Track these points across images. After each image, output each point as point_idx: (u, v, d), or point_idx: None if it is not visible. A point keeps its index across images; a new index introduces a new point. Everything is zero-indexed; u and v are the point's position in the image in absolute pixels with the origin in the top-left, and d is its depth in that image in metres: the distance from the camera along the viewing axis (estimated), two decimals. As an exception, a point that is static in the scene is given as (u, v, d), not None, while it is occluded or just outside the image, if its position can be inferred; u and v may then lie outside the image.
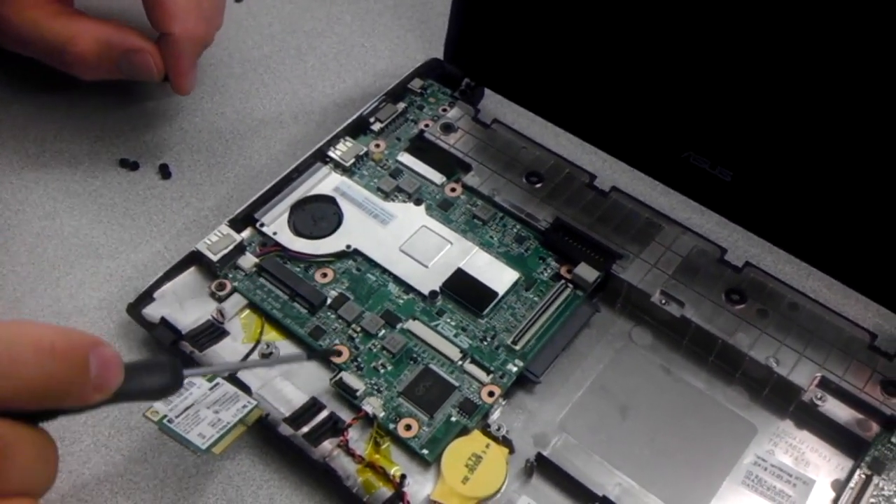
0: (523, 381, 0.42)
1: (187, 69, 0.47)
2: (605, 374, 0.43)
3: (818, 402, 0.40)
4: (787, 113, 0.41)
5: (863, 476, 0.38)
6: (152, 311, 0.42)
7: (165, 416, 0.37)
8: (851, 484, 0.38)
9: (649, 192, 0.49)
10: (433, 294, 0.43)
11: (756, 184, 0.44)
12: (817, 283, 0.46)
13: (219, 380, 0.39)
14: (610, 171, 0.50)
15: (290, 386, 0.41)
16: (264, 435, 0.40)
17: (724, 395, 0.42)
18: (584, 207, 0.46)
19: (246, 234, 0.45)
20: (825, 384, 0.41)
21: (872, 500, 0.38)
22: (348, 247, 0.45)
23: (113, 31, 0.46)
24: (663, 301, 0.43)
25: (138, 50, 0.46)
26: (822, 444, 0.41)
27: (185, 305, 0.43)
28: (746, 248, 0.47)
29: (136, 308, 0.42)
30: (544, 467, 0.39)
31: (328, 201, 0.47)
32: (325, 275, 0.44)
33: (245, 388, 0.40)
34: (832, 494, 0.39)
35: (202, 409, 0.38)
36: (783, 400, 0.41)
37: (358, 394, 0.40)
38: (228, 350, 0.42)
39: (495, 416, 0.40)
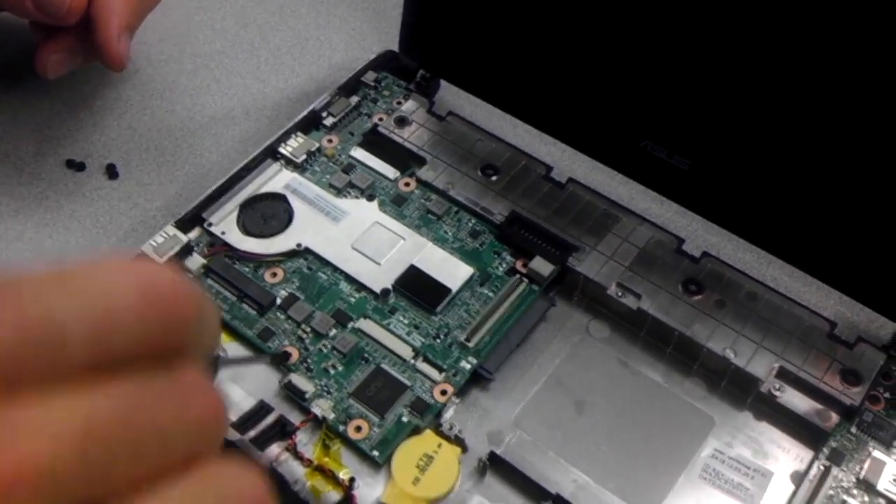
0: (477, 379, 0.41)
1: (118, 31, 0.44)
2: (561, 368, 0.42)
3: (776, 393, 0.40)
4: (745, 100, 0.41)
5: (821, 468, 0.38)
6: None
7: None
8: (810, 476, 0.37)
9: (608, 183, 0.48)
10: (385, 292, 0.42)
11: (714, 172, 0.43)
12: (777, 271, 0.46)
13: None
14: (568, 162, 0.49)
15: (238, 389, 0.40)
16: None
17: (682, 387, 0.41)
18: (540, 200, 0.46)
19: (193, 234, 0.44)
20: (783, 374, 0.40)
21: (831, 491, 0.37)
22: (299, 245, 0.44)
23: None
24: (620, 294, 0.42)
25: None
26: (782, 436, 0.40)
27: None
28: (706, 237, 0.47)
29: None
30: (497, 466, 0.38)
31: (278, 199, 0.46)
32: (274, 274, 0.43)
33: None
34: (791, 487, 0.38)
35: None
36: (741, 391, 0.41)
37: (307, 396, 0.39)
38: (175, 354, 0.41)
39: (448, 414, 0.40)
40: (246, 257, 0.43)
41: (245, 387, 0.40)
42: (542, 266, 0.43)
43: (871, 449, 0.38)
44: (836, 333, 0.41)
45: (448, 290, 0.42)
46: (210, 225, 0.44)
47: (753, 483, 0.38)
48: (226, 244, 0.44)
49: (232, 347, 0.41)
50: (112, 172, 0.48)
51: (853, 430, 0.39)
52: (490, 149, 0.48)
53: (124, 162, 0.49)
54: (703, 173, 0.43)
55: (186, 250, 0.43)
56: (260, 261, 0.43)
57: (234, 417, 0.39)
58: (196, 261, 0.43)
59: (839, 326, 0.41)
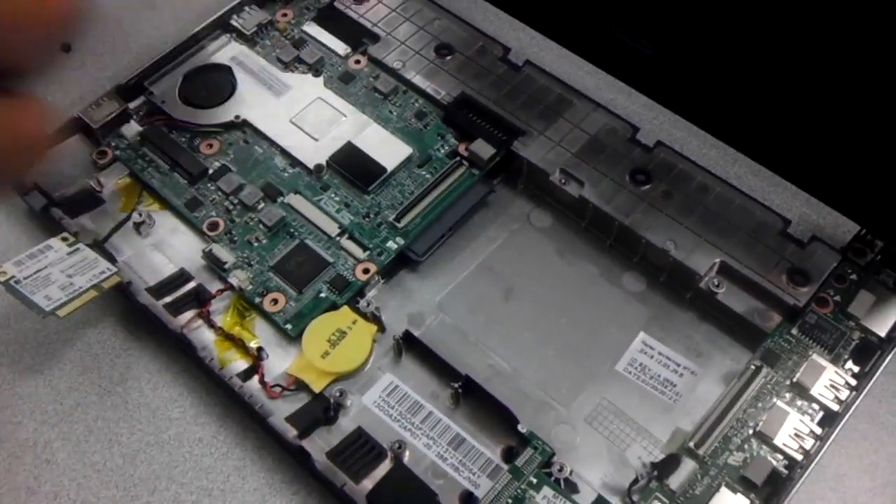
0: (406, 261, 0.39)
1: None
2: (495, 255, 0.40)
3: (716, 290, 0.37)
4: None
5: (753, 366, 0.35)
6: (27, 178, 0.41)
7: (13, 276, 0.36)
8: (740, 375, 0.35)
9: (572, 73, 0.45)
10: (319, 168, 0.41)
11: (678, 59, 0.40)
12: (743, 169, 0.43)
13: (80, 245, 0.38)
14: (529, 46, 0.47)
15: (161, 256, 0.39)
16: (127, 304, 0.38)
17: (620, 281, 0.39)
18: (493, 82, 0.43)
19: (136, 103, 0.43)
20: (725, 270, 0.38)
21: (760, 392, 0.35)
22: (237, 117, 0.43)
23: None
24: (563, 181, 0.40)
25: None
26: (720, 336, 0.38)
27: (63, 173, 0.41)
28: (671, 131, 0.44)
29: (10, 174, 0.41)
30: (412, 346, 0.37)
31: (223, 71, 0.44)
32: (210, 146, 0.42)
33: (110, 257, 0.38)
34: (722, 386, 0.36)
35: (55, 273, 0.36)
36: (681, 287, 0.38)
37: (226, 266, 0.38)
38: (102, 218, 0.40)
39: (371, 294, 0.38)
40: (183, 126, 0.42)
41: (169, 254, 0.39)
42: (483, 149, 0.41)
43: (811, 353, 0.36)
44: (790, 231, 0.38)
45: (383, 170, 0.41)
46: (151, 94, 0.43)
47: (682, 381, 0.36)
48: (164, 113, 0.43)
49: (159, 216, 0.41)
50: (65, 45, 0.47)
51: (794, 331, 0.36)
52: (447, 27, 0.45)
53: (80, 34, 0.48)
54: (667, 59, 0.40)
55: (124, 117, 0.42)
56: (197, 131, 0.42)
57: (151, 283, 0.38)
58: (133, 128, 0.42)
59: (793, 225, 0.39)
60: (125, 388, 0.37)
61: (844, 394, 0.35)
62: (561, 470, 0.33)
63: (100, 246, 0.39)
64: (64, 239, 0.38)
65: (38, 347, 0.38)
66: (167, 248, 0.40)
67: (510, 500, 0.33)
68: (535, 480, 0.33)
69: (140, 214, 0.40)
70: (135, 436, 0.36)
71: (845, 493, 0.35)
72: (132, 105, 0.43)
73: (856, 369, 0.35)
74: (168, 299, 0.38)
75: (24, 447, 0.36)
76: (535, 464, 0.34)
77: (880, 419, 0.36)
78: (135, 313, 0.38)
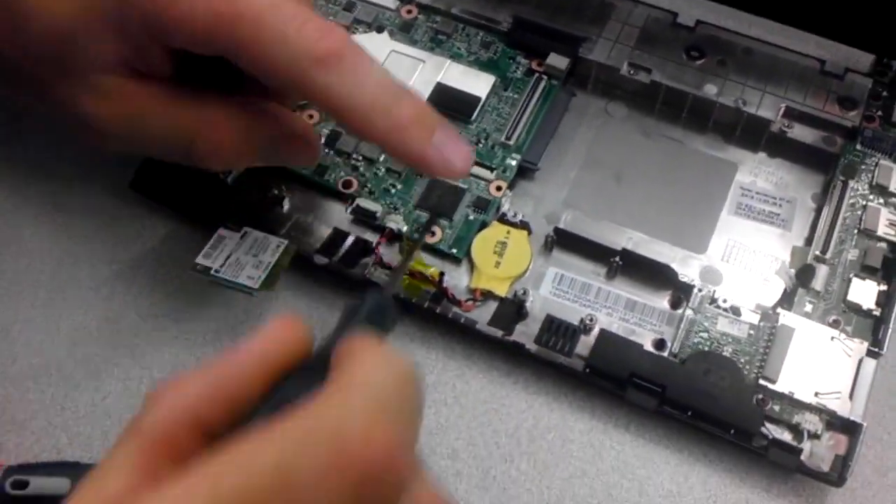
0: (524, 172, 0.44)
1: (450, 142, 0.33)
2: (593, 149, 0.46)
3: (786, 130, 0.44)
4: None
5: (839, 182, 0.43)
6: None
7: (212, 267, 0.39)
8: (831, 192, 0.43)
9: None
10: (420, 110, 0.45)
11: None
12: (760, 30, 0.50)
13: (246, 228, 0.41)
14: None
15: (311, 224, 0.43)
16: (302, 271, 0.42)
17: (702, 143, 0.46)
18: (538, 2, 0.48)
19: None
20: (790, 113, 0.45)
21: (852, 201, 0.42)
22: (327, 85, 0.46)
23: (254, 116, 0.35)
24: (632, 72, 0.46)
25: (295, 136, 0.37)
26: (796, 167, 0.45)
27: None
28: (691, 11, 0.50)
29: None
30: (563, 239, 0.42)
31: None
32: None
33: (271, 231, 0.41)
34: (814, 205, 0.44)
35: (241, 256, 0.39)
36: (755, 136, 0.45)
37: (378, 215, 0.42)
38: (241, 203, 0.43)
39: (506, 206, 0.43)
40: (281, 105, 0.45)
41: (315, 221, 0.43)
42: (557, 61, 0.46)
43: (877, 159, 0.43)
44: (827, 69, 0.46)
45: (478, 99, 0.45)
46: (236, 83, 0.46)
47: (783, 210, 0.44)
48: (257, 97, 0.45)
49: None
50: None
51: (858, 147, 0.44)
52: (480, -37, 0.50)
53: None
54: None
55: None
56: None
57: (316, 245, 0.42)
58: (234, 117, 0.45)
59: (827, 63, 0.46)
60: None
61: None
62: (725, 301, 0.40)
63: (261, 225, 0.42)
64: (227, 227, 0.41)
65: (233, 329, 0.41)
66: (309, 215, 0.43)
67: (699, 332, 0.39)
68: (710, 315, 0.40)
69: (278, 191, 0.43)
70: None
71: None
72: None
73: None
74: (338, 255, 0.41)
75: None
76: (704, 301, 0.40)
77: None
78: (309, 277, 0.42)
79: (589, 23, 0.47)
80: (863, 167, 0.43)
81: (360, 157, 0.44)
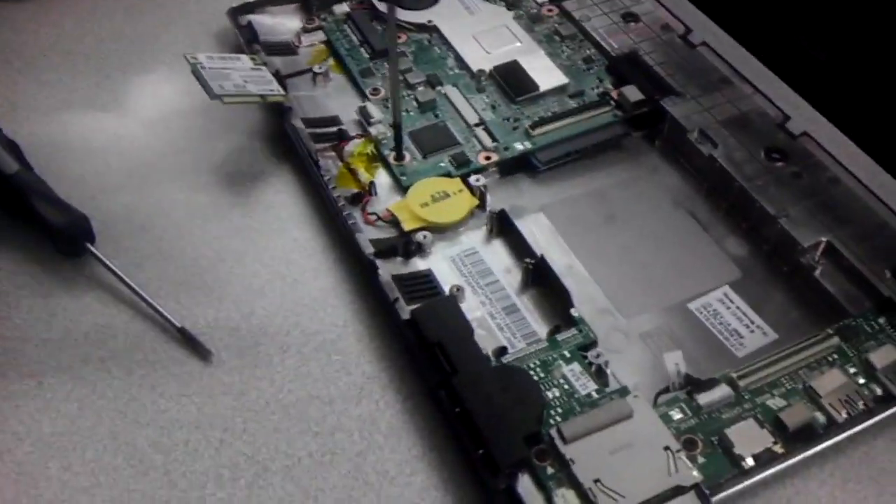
0: (527, 167, 0.42)
1: None
2: (612, 188, 0.42)
3: (815, 264, 0.37)
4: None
5: (826, 333, 0.34)
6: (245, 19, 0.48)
7: (201, 62, 0.42)
8: (810, 336, 0.34)
9: (748, 61, 0.47)
10: (481, 72, 0.45)
11: (848, 68, 0.41)
12: (886, 177, 0.42)
13: (263, 67, 0.44)
14: (712, 30, 0.49)
15: (324, 103, 0.45)
16: (279, 127, 0.44)
17: (724, 241, 0.39)
18: (665, 51, 0.46)
19: (353, -4, 0.50)
20: (829, 251, 0.37)
21: (827, 358, 0.34)
22: (429, 21, 0.48)
23: None
24: (698, 139, 0.41)
25: None
26: (807, 313, 0.37)
27: (275, 24, 0.48)
28: (825, 129, 0.44)
29: (235, 13, 0.48)
30: (503, 226, 0.39)
31: (431, -9, 0.50)
32: (399, 37, 0.47)
33: (282, 83, 0.44)
34: (789, 351, 0.35)
35: (234, 74, 0.42)
36: (781, 259, 0.38)
37: (372, 120, 0.43)
38: (291, 65, 0.46)
39: (485, 181, 0.41)
40: (381, 17, 0.48)
41: (331, 105, 0.44)
42: (632, 92, 0.43)
43: (889, 342, 0.34)
44: (908, 236, 0.37)
45: (536, 87, 0.44)
46: (367, -10, 0.50)
47: (751, 336, 0.36)
48: (372, 6, 0.49)
49: (336, 77, 0.46)
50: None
51: (881, 320, 0.35)
52: (639, 1, 0.49)
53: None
54: (838, 67, 0.41)
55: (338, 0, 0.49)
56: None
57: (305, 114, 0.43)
58: (342, 8, 0.49)
59: (914, 231, 0.37)
60: (255, 189, 0.42)
61: (913, 384, 0.33)
62: (598, 357, 0.34)
63: (280, 78, 0.44)
64: (252, 58, 0.44)
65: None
66: (332, 100, 0.45)
67: (537, 361, 0.34)
68: (568, 355, 0.34)
69: (321, 67, 0.46)
70: (244, 220, 0.40)
71: (868, 472, 0.32)
72: (349, -3, 0.50)
73: (936, 372, 0.33)
74: (316, 130, 0.42)
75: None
76: (575, 343, 0.34)
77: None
78: (283, 137, 0.44)
79: (697, 85, 0.44)
80: (865, 339, 0.34)
81: (403, 79, 0.45)
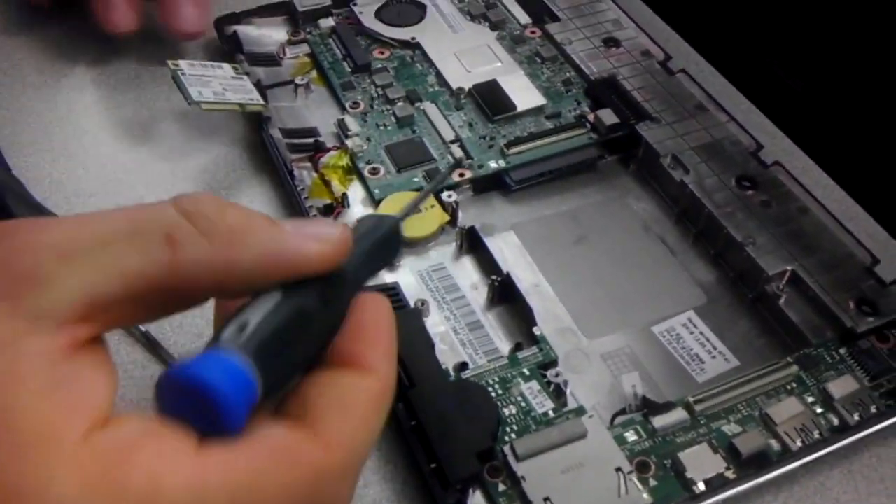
0: (500, 185, 0.42)
1: None
2: (583, 209, 0.42)
3: (779, 293, 0.37)
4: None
5: (785, 362, 0.34)
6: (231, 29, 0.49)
7: (182, 69, 0.42)
8: (769, 364, 0.34)
9: (726, 89, 0.47)
10: (460, 90, 0.45)
11: (825, 98, 0.41)
12: (834, 199, 0.42)
13: (245, 76, 0.44)
14: (693, 58, 0.49)
15: (304, 115, 0.45)
16: (258, 137, 0.44)
17: (691, 267, 0.40)
18: (643, 77, 0.46)
19: (339, 10, 0.50)
20: (794, 280, 0.37)
21: (785, 386, 0.34)
22: (413, 38, 0.48)
23: None
24: (671, 164, 0.42)
25: None
26: (769, 341, 0.37)
27: (260, 35, 0.49)
28: (796, 157, 0.44)
29: (220, 23, 0.49)
30: (472, 242, 0.39)
31: (419, 6, 0.50)
32: (381, 52, 0.48)
33: (264, 98, 0.44)
34: (747, 378, 0.35)
35: (215, 83, 0.43)
36: (746, 287, 0.38)
37: (349, 133, 0.43)
38: (273, 76, 0.47)
39: (458, 197, 0.41)
40: (367, 32, 0.48)
41: (310, 116, 0.45)
42: (607, 116, 0.43)
43: (848, 374, 0.34)
44: (876, 270, 0.37)
45: (514, 106, 0.44)
46: (355, 4, 0.50)
47: (713, 362, 0.36)
48: (358, 20, 0.49)
49: (318, 88, 0.46)
50: None
51: (842, 350, 0.35)
52: (622, 27, 0.49)
53: None
54: (815, 98, 0.42)
55: (325, 13, 0.49)
56: (376, 38, 0.48)
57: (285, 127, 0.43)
58: (328, 22, 0.49)
59: (881, 265, 0.37)
60: (231, 197, 0.42)
61: (868, 414, 0.33)
62: (557, 376, 0.34)
63: (261, 89, 0.44)
64: (234, 68, 0.44)
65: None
66: (312, 112, 0.45)
67: (497, 378, 0.34)
68: (527, 373, 0.34)
69: (303, 79, 0.46)
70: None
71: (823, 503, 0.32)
72: (336, 10, 0.50)
73: (891, 404, 0.33)
74: (293, 140, 0.43)
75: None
76: (535, 361, 0.34)
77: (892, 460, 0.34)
78: (261, 146, 0.44)
79: (673, 112, 0.44)
80: (828, 371, 0.34)
81: (382, 94, 0.45)
